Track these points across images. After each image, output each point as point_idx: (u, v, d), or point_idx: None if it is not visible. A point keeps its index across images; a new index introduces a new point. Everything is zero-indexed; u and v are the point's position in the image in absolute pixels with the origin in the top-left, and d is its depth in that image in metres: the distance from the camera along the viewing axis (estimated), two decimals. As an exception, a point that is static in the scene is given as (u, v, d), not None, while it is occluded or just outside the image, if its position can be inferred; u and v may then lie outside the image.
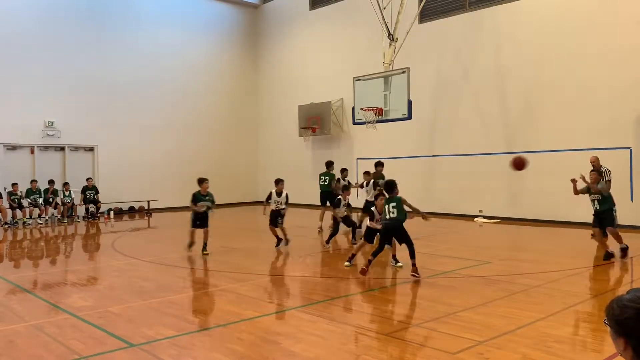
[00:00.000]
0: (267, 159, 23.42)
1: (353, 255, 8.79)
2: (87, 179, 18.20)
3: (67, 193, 17.65)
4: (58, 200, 17.53)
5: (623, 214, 10.65)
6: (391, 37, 14.51)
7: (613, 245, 9.22)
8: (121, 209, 19.62)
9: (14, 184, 16.51)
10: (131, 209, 20.06)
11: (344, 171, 13.75)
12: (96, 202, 18.03)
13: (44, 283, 8.07)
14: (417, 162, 17.42)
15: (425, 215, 8.23)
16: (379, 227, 8.43)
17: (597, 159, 10.65)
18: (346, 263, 8.75)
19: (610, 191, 9.30)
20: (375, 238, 8.70)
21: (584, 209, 11.96)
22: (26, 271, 9.39)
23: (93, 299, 6.91)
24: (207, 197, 10.25)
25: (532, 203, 14.78)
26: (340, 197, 11.25)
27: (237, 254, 10.23)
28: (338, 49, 20.13)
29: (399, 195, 8.03)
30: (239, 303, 6.81)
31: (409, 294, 7.22)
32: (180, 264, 9.34)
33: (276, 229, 10.84)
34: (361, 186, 12.71)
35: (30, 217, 16.64)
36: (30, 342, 5.11)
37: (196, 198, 10.21)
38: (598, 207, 9.21)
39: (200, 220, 10.21)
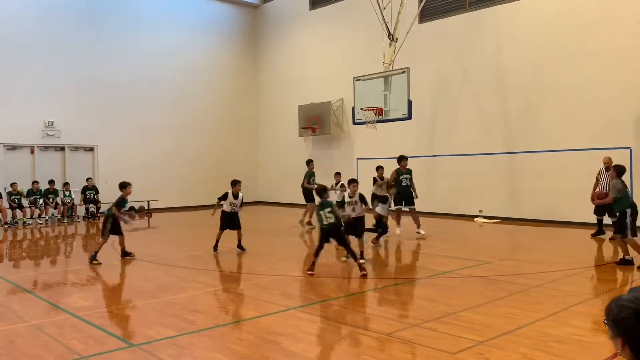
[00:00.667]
0: (267, 159, 23.42)
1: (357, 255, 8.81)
2: (87, 179, 18.21)
3: (67, 193, 17.66)
4: (58, 200, 17.54)
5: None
6: (391, 37, 14.51)
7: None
8: (121, 209, 19.60)
9: (13, 184, 16.51)
10: (131, 209, 20.05)
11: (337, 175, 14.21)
12: (96, 202, 18.04)
13: (44, 283, 8.07)
14: (417, 162, 17.40)
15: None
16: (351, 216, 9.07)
17: (610, 159, 10.61)
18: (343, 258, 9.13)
19: (626, 190, 8.66)
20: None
21: (584, 209, 11.99)
22: (26, 271, 9.39)
23: (93, 299, 6.92)
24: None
25: (532, 203, 14.78)
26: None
27: (237, 254, 10.23)
28: (338, 49, 20.13)
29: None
30: (239, 303, 6.82)
31: (409, 294, 7.22)
32: (180, 264, 9.34)
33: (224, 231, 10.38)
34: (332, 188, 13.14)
35: (31, 217, 16.64)
36: (30, 342, 5.11)
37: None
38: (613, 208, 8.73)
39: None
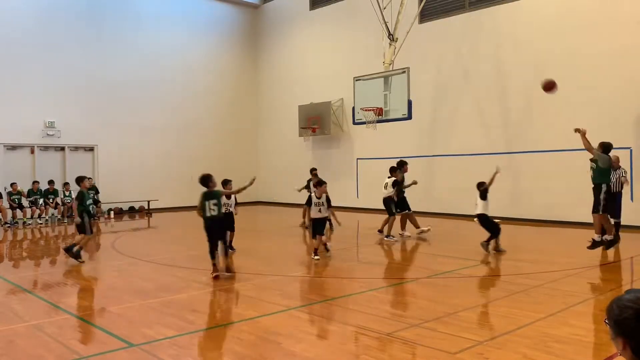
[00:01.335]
0: (267, 159, 23.41)
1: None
2: (88, 179, 18.17)
3: (67, 193, 17.65)
4: (58, 200, 17.54)
5: (623, 214, 10.65)
6: (391, 37, 14.52)
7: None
8: (121, 209, 19.63)
9: (13, 184, 16.51)
10: (131, 209, 20.07)
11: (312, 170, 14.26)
12: (96, 202, 18.03)
13: (44, 283, 8.07)
14: (417, 162, 17.40)
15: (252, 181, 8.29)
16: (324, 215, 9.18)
17: (617, 158, 10.59)
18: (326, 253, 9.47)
19: (610, 170, 8.81)
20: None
21: (584, 209, 11.98)
22: (26, 271, 9.39)
23: (93, 298, 6.91)
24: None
25: (532, 203, 14.77)
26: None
27: (237, 254, 10.22)
28: (338, 49, 20.12)
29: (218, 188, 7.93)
30: (239, 303, 6.82)
31: (409, 294, 7.22)
32: (180, 264, 9.34)
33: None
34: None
35: (31, 217, 16.64)
36: (30, 342, 5.11)
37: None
38: (592, 178, 8.93)
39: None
